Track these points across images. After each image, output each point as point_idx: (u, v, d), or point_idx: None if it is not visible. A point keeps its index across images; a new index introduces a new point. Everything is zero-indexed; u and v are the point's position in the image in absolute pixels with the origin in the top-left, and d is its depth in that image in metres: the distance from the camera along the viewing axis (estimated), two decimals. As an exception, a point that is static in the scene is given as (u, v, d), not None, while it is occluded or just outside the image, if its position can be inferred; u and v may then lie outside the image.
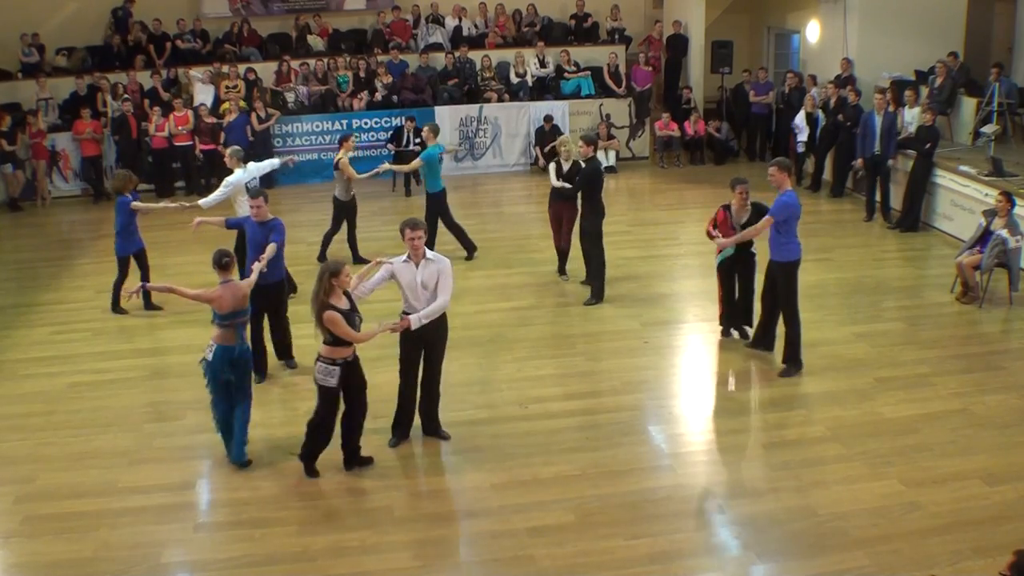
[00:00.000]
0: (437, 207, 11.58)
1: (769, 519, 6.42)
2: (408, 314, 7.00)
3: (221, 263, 7.08)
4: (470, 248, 11.92)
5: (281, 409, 8.17)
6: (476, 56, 17.43)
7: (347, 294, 6.72)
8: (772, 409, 8.01)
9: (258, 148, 15.86)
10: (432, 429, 7.52)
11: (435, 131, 11.77)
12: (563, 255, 11.02)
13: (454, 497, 6.84)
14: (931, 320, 9.83)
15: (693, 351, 9.42)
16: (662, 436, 7.63)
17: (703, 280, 11.15)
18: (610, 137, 16.83)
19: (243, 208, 9.73)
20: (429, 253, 7.07)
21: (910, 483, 6.78)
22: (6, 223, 14.64)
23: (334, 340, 6.63)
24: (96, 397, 8.51)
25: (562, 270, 11.08)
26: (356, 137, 12.42)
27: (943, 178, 12.69)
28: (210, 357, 6.98)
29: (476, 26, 18.57)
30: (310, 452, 7.01)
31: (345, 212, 11.66)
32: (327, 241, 11.81)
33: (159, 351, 9.48)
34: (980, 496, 6.62)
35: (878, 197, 13.33)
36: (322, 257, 11.56)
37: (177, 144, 15.41)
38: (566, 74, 17.49)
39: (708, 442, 7.56)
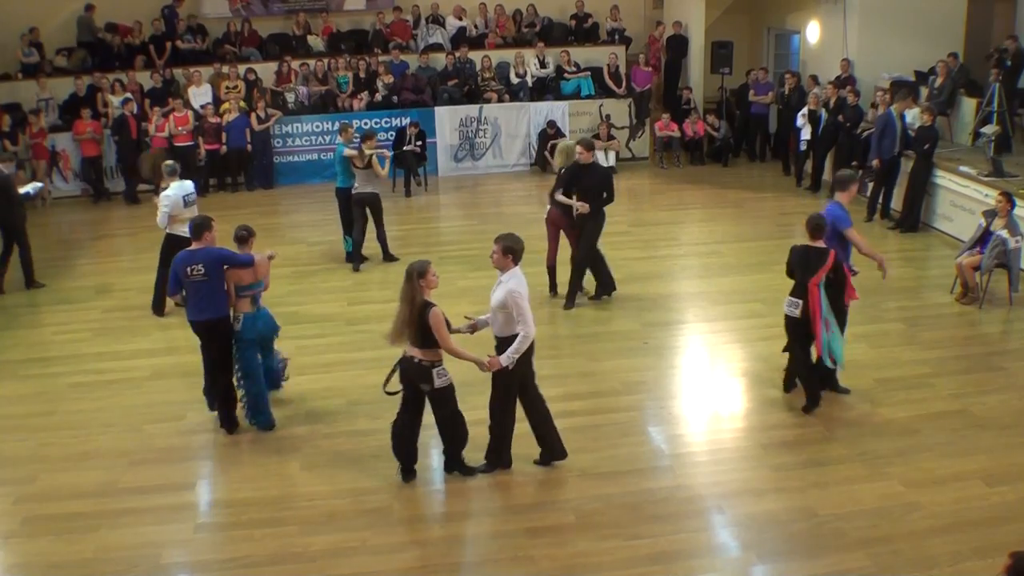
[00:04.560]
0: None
1: (769, 519, 6.42)
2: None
3: (239, 236, 7.74)
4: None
5: (281, 408, 8.17)
6: (476, 56, 17.44)
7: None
8: (772, 409, 8.00)
9: (257, 148, 15.92)
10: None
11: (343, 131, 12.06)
12: (554, 271, 10.63)
13: (454, 497, 6.83)
14: (931, 321, 9.83)
15: (693, 351, 9.42)
16: (662, 437, 7.63)
17: (703, 280, 11.18)
18: (610, 138, 16.83)
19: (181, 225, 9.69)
20: (506, 273, 6.71)
21: (910, 483, 6.78)
22: (6, 223, 14.62)
23: (429, 342, 6.50)
24: (96, 397, 8.52)
25: (554, 287, 10.62)
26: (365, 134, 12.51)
27: (943, 179, 12.69)
28: (238, 327, 7.62)
29: (476, 26, 18.58)
30: (458, 452, 6.98)
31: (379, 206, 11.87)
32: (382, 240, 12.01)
33: (159, 351, 9.48)
34: (980, 496, 6.62)
35: (880, 198, 13.34)
36: (388, 257, 11.93)
37: (177, 144, 15.38)
38: (566, 74, 17.51)
39: (708, 442, 7.55)
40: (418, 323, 6.45)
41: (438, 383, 6.61)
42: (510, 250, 6.71)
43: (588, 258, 10.27)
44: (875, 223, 13.24)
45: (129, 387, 8.68)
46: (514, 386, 6.86)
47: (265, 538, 6.33)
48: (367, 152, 11.44)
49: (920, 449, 7.25)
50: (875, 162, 13.19)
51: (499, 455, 7.05)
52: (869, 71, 15.21)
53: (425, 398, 6.74)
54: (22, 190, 11.66)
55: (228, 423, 7.75)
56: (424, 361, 6.55)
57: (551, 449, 7.11)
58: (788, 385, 8.18)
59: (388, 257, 11.95)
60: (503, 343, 6.72)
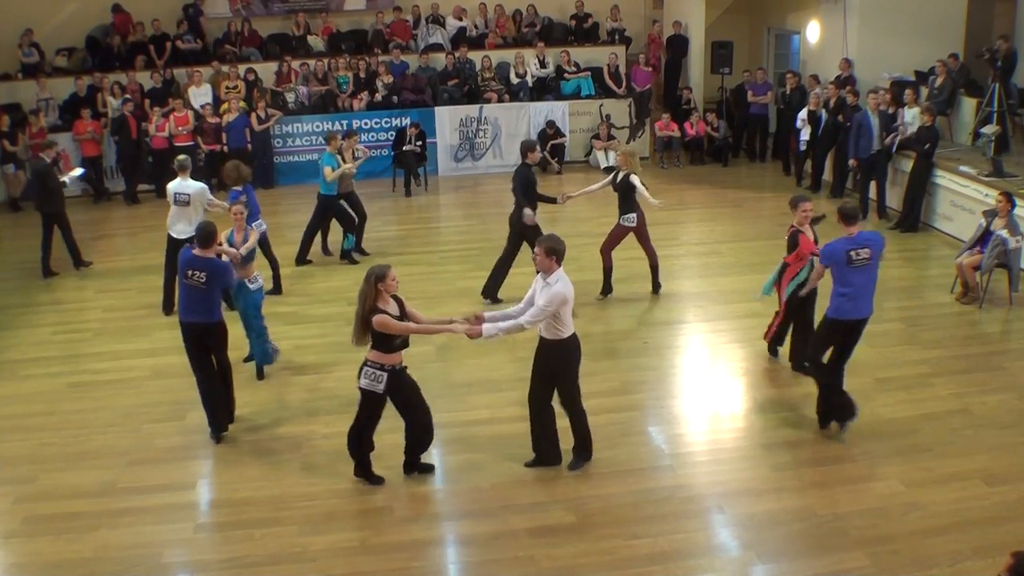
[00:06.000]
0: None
1: (769, 519, 6.43)
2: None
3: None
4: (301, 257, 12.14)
5: (281, 408, 8.17)
6: (476, 56, 17.44)
7: (396, 299, 6.54)
8: (772, 409, 8.01)
9: (257, 148, 15.92)
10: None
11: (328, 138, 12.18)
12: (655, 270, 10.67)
13: (454, 497, 6.84)
14: (931, 320, 9.83)
15: (693, 351, 9.42)
16: (662, 436, 7.63)
17: (703, 280, 11.18)
18: (610, 137, 16.83)
19: (175, 221, 9.89)
20: (552, 275, 6.64)
21: (910, 483, 6.79)
22: (6, 223, 14.64)
23: (384, 345, 6.48)
24: (96, 397, 8.52)
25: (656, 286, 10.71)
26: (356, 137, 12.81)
27: (943, 178, 12.69)
28: None
29: (476, 26, 18.58)
30: (360, 461, 6.94)
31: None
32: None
33: (159, 351, 9.47)
34: (980, 496, 6.62)
35: (872, 195, 13.38)
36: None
37: (177, 144, 15.35)
38: (566, 75, 17.51)
39: (708, 442, 7.55)
40: (365, 327, 6.45)
41: (362, 383, 6.59)
42: (553, 251, 6.63)
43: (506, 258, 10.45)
44: (868, 221, 13.21)
45: (129, 387, 8.69)
46: (574, 379, 6.92)
47: (265, 538, 6.34)
48: (349, 164, 11.83)
49: (920, 449, 7.25)
50: (851, 162, 13.51)
51: (583, 447, 7.08)
52: (869, 71, 15.21)
53: (383, 399, 6.69)
54: (63, 178, 11.94)
55: (217, 427, 7.61)
56: (368, 360, 6.58)
57: (546, 456, 7.11)
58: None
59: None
60: (551, 346, 6.76)
